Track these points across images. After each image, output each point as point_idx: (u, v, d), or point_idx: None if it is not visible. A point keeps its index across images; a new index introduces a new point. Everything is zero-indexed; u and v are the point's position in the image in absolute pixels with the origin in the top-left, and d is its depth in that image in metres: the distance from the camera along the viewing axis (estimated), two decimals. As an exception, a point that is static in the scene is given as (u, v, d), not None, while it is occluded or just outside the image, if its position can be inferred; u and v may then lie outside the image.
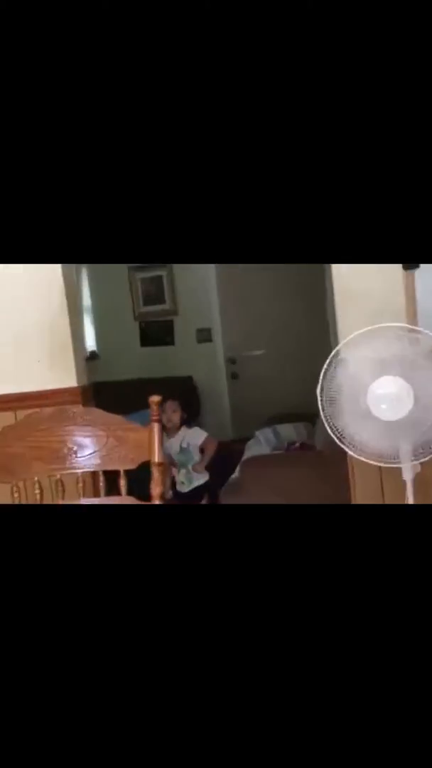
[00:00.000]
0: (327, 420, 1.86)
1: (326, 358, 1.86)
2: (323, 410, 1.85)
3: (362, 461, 1.89)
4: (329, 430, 1.87)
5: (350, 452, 1.88)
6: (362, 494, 2.17)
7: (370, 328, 1.84)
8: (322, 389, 1.84)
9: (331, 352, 1.88)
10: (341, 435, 1.85)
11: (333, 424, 1.86)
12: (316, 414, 1.97)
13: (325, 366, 1.85)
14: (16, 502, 1.64)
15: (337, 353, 1.85)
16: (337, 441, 1.87)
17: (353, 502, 2.19)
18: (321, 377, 1.85)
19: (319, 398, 1.85)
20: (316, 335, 5.21)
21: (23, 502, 1.65)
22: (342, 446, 1.88)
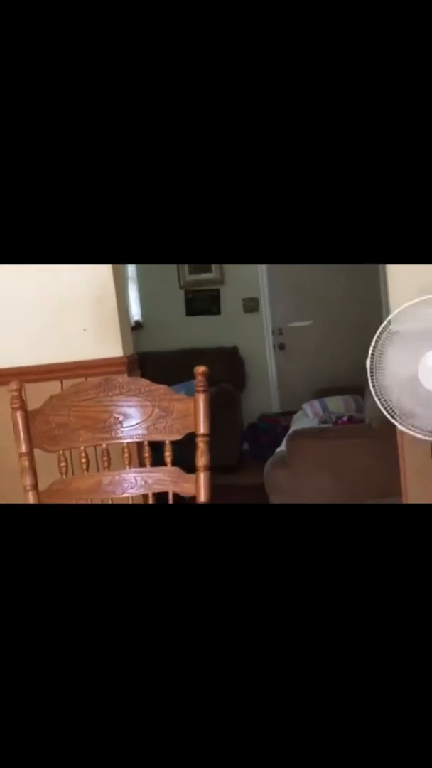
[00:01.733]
0: (377, 393, 1.85)
1: (377, 330, 1.84)
2: (373, 383, 1.84)
3: (413, 435, 1.88)
4: (379, 404, 1.86)
5: (400, 426, 1.87)
6: (412, 470, 2.15)
7: (422, 298, 1.81)
8: (372, 362, 1.83)
9: (381, 323, 1.86)
10: (391, 409, 1.84)
11: (383, 398, 1.84)
12: (366, 387, 1.96)
13: (375, 338, 1.83)
14: (63, 471, 1.66)
15: (388, 324, 1.83)
16: (387, 415, 1.86)
17: (402, 478, 2.17)
18: (371, 349, 1.83)
19: (369, 371, 1.84)
20: (367, 306, 5.16)
21: (70, 471, 1.68)
22: (392, 420, 1.87)
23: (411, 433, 1.86)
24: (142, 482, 1.64)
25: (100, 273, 2.34)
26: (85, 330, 2.36)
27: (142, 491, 1.64)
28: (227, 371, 5.51)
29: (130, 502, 1.66)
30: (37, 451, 1.66)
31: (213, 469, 1.61)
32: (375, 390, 1.85)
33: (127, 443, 1.66)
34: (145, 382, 1.66)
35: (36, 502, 1.63)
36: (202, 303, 5.98)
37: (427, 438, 1.86)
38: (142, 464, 1.68)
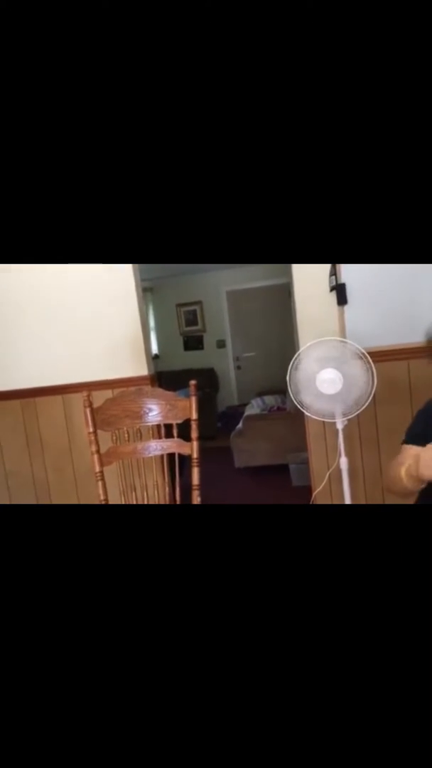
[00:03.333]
0: (292, 393, 1.87)
1: (292, 358, 1.86)
2: (290, 388, 1.86)
3: (312, 418, 1.91)
4: (293, 400, 1.88)
5: (306, 413, 1.89)
6: (313, 438, 2.18)
7: (317, 340, 1.84)
8: (289, 376, 1.85)
9: (294, 354, 1.88)
10: (300, 402, 1.86)
11: (296, 396, 1.86)
12: (286, 390, 1.99)
13: (291, 362, 1.85)
14: (114, 441, 1.63)
15: (299, 354, 1.86)
16: (298, 406, 1.88)
17: (307, 443, 2.19)
18: (289, 368, 1.85)
19: (288, 381, 1.86)
20: (286, 342, 5.21)
21: (118, 442, 1.65)
22: (301, 409, 1.89)
23: (310, 415, 1.89)
24: (160, 447, 1.63)
25: (134, 325, 2.34)
26: (126, 361, 2.34)
27: (160, 453, 1.63)
28: (208, 382, 5.52)
29: (153, 460, 1.66)
30: (98, 431, 1.64)
31: (200, 438, 1.61)
32: (291, 391, 1.88)
33: (151, 425, 1.65)
34: (161, 390, 1.66)
35: (99, 461, 1.62)
36: (193, 343, 5.97)
37: (320, 419, 1.89)
38: (160, 437, 1.66)
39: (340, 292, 2.07)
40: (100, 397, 1.77)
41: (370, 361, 1.77)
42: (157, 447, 1.62)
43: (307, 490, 2.25)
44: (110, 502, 1.62)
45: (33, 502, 2.48)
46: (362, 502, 2.11)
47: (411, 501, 1.08)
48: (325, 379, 1.74)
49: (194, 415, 1.58)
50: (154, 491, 1.65)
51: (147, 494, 1.63)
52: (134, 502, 1.61)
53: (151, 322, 5.91)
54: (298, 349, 1.93)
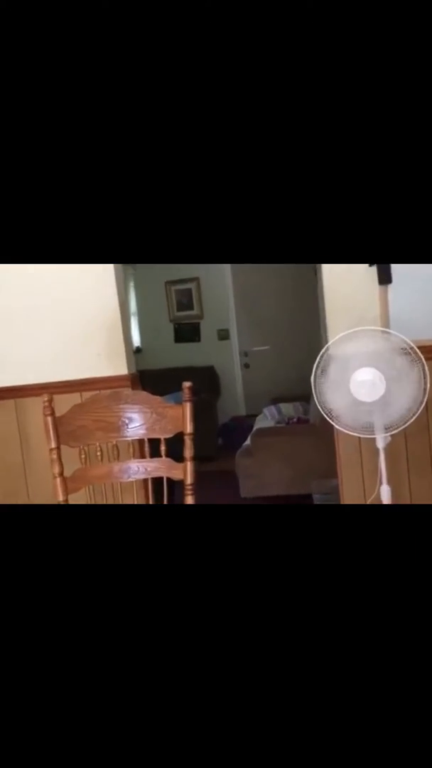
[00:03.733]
0: (319, 401, 1.87)
1: (318, 353, 1.85)
2: (316, 393, 1.86)
3: (345, 433, 1.90)
4: (320, 409, 1.88)
5: (336, 426, 1.89)
6: (345, 460, 2.17)
7: (352, 330, 1.84)
8: (315, 377, 1.85)
9: (322, 348, 1.88)
10: (329, 412, 1.86)
11: (323, 404, 1.86)
12: (310, 395, 1.98)
13: (317, 359, 1.85)
14: (83, 462, 1.65)
15: (327, 349, 1.85)
16: (326, 417, 1.88)
17: (338, 467, 2.18)
18: (315, 367, 1.85)
19: (312, 384, 1.86)
20: (310, 333, 5.21)
21: (88, 462, 1.66)
22: (330, 421, 1.88)
23: (341, 429, 1.88)
24: (143, 469, 1.63)
25: (111, 308, 2.33)
26: (99, 354, 2.35)
27: (143, 476, 1.64)
28: (206, 384, 5.52)
29: (134, 485, 1.66)
30: (62, 447, 1.64)
31: (196, 458, 1.61)
32: (316, 398, 1.87)
33: (132, 440, 1.65)
34: (144, 394, 1.66)
35: (62, 486, 1.62)
36: (187, 333, 5.98)
37: (355, 434, 1.88)
38: (143, 456, 1.67)
39: (382, 267, 2.07)
40: (64, 403, 1.76)
41: (422, 357, 1.77)
42: (139, 469, 1.63)
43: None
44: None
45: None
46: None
47: None
48: (362, 381, 1.74)
49: (188, 428, 1.59)
50: (134, 528, 1.66)
51: (125, 532, 1.63)
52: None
53: (132, 306, 5.92)
54: (326, 342, 1.93)
